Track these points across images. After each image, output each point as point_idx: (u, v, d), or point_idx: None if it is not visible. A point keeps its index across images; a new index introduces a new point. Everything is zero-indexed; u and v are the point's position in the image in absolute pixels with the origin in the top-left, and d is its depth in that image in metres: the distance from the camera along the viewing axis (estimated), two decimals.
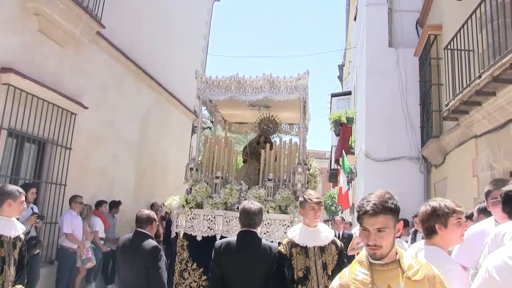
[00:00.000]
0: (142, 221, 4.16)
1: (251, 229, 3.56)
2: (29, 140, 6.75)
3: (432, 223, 2.42)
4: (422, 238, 2.76)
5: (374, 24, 10.96)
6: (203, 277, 5.75)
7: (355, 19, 16.00)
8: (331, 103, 19.66)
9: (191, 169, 6.26)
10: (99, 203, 8.16)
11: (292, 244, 3.45)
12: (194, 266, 5.82)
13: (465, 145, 6.85)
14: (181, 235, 5.91)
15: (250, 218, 3.56)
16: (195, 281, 5.80)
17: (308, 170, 6.50)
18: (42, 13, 6.59)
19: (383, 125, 10.10)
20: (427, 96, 9.05)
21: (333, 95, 19.51)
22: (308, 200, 3.44)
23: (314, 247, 3.43)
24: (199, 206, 6.02)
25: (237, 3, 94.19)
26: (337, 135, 15.69)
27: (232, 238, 3.67)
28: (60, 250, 6.96)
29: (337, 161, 15.53)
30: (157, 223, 4.65)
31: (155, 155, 11.36)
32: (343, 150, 13.13)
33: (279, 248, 3.55)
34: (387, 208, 1.91)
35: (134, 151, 10.22)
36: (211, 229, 5.92)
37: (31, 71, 6.53)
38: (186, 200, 6.01)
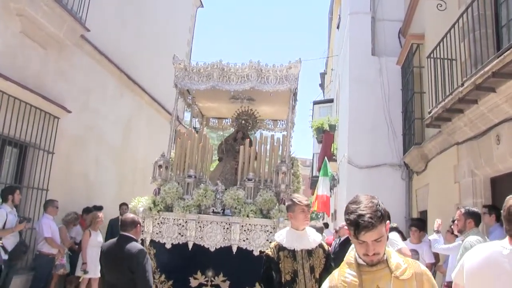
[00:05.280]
0: (126, 224, 4.11)
1: None
2: (10, 143, 6.62)
3: None
4: None
5: (357, 33, 11.12)
6: None
7: (338, 27, 16.22)
8: (313, 110, 19.79)
9: (160, 166, 5.61)
10: (86, 211, 7.93)
11: (280, 248, 3.44)
12: (163, 278, 5.23)
13: (447, 152, 6.97)
14: (147, 243, 5.26)
15: None
16: None
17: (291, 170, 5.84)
18: (25, 14, 6.49)
19: (365, 133, 10.22)
20: (409, 104, 9.20)
21: (315, 103, 19.67)
22: (298, 203, 3.43)
23: (301, 250, 3.43)
24: (169, 209, 5.42)
25: (220, 10, 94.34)
26: (320, 142, 15.80)
27: None
28: (39, 256, 6.70)
29: (319, 169, 15.62)
30: (141, 227, 4.56)
31: (137, 160, 11.25)
32: (325, 157, 13.23)
33: (266, 251, 3.54)
34: (380, 218, 1.88)
35: (116, 156, 10.10)
36: (182, 236, 5.32)
37: (13, 73, 6.41)
38: (154, 202, 5.38)
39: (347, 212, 1.95)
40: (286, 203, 3.65)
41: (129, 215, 4.24)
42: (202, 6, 16.76)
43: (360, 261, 1.96)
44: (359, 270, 1.93)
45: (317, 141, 16.87)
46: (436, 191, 7.55)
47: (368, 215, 1.85)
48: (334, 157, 14.11)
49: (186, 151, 5.89)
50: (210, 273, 5.27)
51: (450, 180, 6.69)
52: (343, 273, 1.99)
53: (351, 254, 2.04)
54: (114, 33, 9.64)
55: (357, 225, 1.87)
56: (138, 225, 4.17)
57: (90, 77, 8.75)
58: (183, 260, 5.29)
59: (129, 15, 10.47)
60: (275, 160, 5.93)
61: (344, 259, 2.07)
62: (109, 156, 9.76)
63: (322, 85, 27.18)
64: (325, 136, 14.42)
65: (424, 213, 8.28)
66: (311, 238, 3.50)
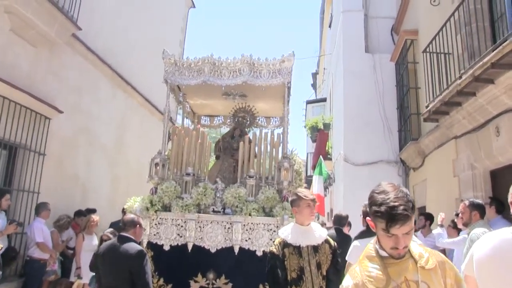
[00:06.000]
0: (125, 224, 3.94)
1: None
2: None
3: None
4: None
5: (351, 30, 11.12)
6: None
7: (330, 26, 16.21)
8: (306, 110, 19.78)
9: (157, 164, 5.38)
10: (78, 214, 7.68)
11: (285, 244, 3.31)
12: (161, 282, 5.00)
13: (445, 146, 6.94)
14: (144, 244, 5.01)
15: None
16: None
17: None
18: (15, 11, 6.31)
19: (361, 130, 10.20)
20: (404, 100, 9.18)
21: (309, 102, 19.67)
22: (303, 197, 3.32)
23: (307, 246, 3.31)
24: (167, 208, 5.22)
25: (211, 11, 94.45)
26: (314, 141, 15.75)
27: None
28: (30, 262, 6.36)
29: (314, 167, 15.56)
30: (142, 228, 4.38)
31: (131, 162, 11.09)
32: (320, 156, 13.16)
33: (271, 248, 3.41)
34: (413, 209, 1.74)
35: (109, 157, 9.94)
36: (181, 237, 5.09)
37: (3, 72, 6.23)
38: (151, 202, 5.15)
39: (375, 203, 1.78)
40: (291, 198, 3.53)
41: (129, 215, 4.09)
42: (194, 7, 16.66)
43: (383, 254, 1.84)
44: (384, 263, 1.81)
45: (311, 140, 16.82)
46: (434, 186, 7.51)
47: (401, 207, 1.69)
48: (329, 156, 14.05)
49: (183, 149, 5.72)
50: (211, 276, 5.06)
51: (449, 174, 6.65)
52: (366, 267, 1.86)
53: (370, 247, 1.92)
54: (106, 34, 9.49)
55: (390, 218, 1.70)
56: (138, 225, 4.00)
57: (82, 77, 8.59)
58: (182, 262, 5.09)
59: (121, 15, 10.33)
60: (276, 157, 5.77)
61: (363, 253, 1.95)
62: (102, 157, 9.60)
63: (314, 85, 27.18)
64: (320, 134, 14.38)
65: (422, 209, 8.24)
66: (316, 233, 3.39)
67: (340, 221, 6.27)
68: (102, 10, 9.27)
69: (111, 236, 5.38)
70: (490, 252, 2.26)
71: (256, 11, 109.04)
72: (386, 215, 1.71)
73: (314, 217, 3.49)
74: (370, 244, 1.93)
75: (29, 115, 6.85)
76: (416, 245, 1.91)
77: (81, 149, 8.66)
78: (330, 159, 13.90)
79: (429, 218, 6.64)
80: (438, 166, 7.30)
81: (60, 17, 7.03)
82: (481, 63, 4.71)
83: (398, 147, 9.72)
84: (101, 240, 5.40)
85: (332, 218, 7.06)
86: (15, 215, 6.66)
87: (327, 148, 14.30)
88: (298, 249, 3.30)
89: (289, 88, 5.85)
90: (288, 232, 3.40)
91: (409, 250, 1.83)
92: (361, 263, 1.90)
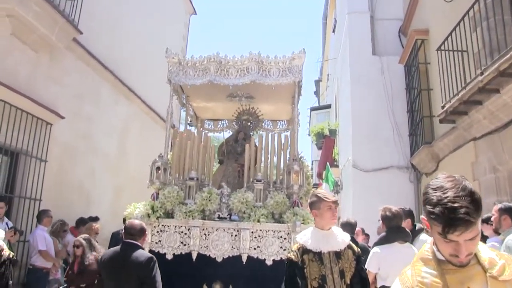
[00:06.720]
0: (134, 232, 3.71)
1: None
2: (0, 150, 6.23)
3: None
4: None
5: (357, 33, 10.85)
6: None
7: (333, 31, 15.99)
8: (310, 117, 19.54)
9: (158, 168, 5.08)
10: (81, 222, 7.44)
11: (304, 250, 3.02)
12: None
13: (462, 149, 6.62)
14: None
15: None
16: None
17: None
18: (16, 15, 6.16)
19: (370, 135, 9.88)
20: (415, 102, 8.89)
21: (313, 109, 19.42)
22: (324, 199, 3.03)
23: (329, 252, 3.01)
24: (169, 215, 4.95)
25: (213, 18, 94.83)
26: (319, 148, 15.43)
27: None
28: (32, 270, 6.21)
29: (320, 175, 15.22)
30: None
31: (133, 170, 10.82)
32: (327, 163, 12.85)
33: (289, 255, 3.11)
34: (479, 210, 1.37)
35: (111, 165, 9.70)
36: (185, 245, 4.81)
37: (3, 76, 6.07)
38: (152, 208, 4.86)
39: (429, 202, 1.43)
40: (310, 200, 3.23)
41: (136, 221, 3.85)
42: (196, 14, 16.51)
43: (440, 257, 1.50)
44: (441, 269, 1.48)
45: (316, 148, 16.51)
46: None
47: (462, 210, 1.34)
48: (335, 163, 13.73)
49: (185, 152, 5.43)
50: (217, 287, 4.79)
51: (467, 178, 6.31)
52: (419, 272, 1.53)
53: (426, 248, 1.59)
54: (108, 39, 9.31)
55: (448, 223, 1.36)
56: (145, 233, 3.82)
57: (83, 83, 8.40)
58: (186, 272, 4.81)
59: (122, 22, 10.16)
60: (284, 160, 5.47)
61: (417, 254, 1.63)
62: (104, 164, 9.36)
63: (317, 93, 26.93)
64: (326, 141, 14.04)
65: None
66: (339, 238, 3.09)
67: (352, 229, 5.91)
68: (103, 15, 9.09)
69: (83, 242, 5.15)
70: None
71: (256, 20, 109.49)
72: (443, 218, 1.37)
73: (336, 221, 3.19)
74: (427, 244, 1.60)
75: (30, 121, 6.70)
76: (486, 248, 1.53)
77: (83, 155, 8.45)
78: (337, 166, 13.58)
79: None
80: (455, 170, 6.95)
81: (61, 20, 6.86)
82: (508, 55, 4.43)
83: (409, 151, 9.40)
84: (74, 246, 5.20)
85: (340, 226, 6.72)
86: (17, 222, 6.55)
87: (333, 155, 13.98)
88: (319, 256, 2.99)
89: (300, 87, 5.55)
90: (307, 237, 3.10)
91: (475, 254, 1.47)
92: (414, 266, 1.58)
